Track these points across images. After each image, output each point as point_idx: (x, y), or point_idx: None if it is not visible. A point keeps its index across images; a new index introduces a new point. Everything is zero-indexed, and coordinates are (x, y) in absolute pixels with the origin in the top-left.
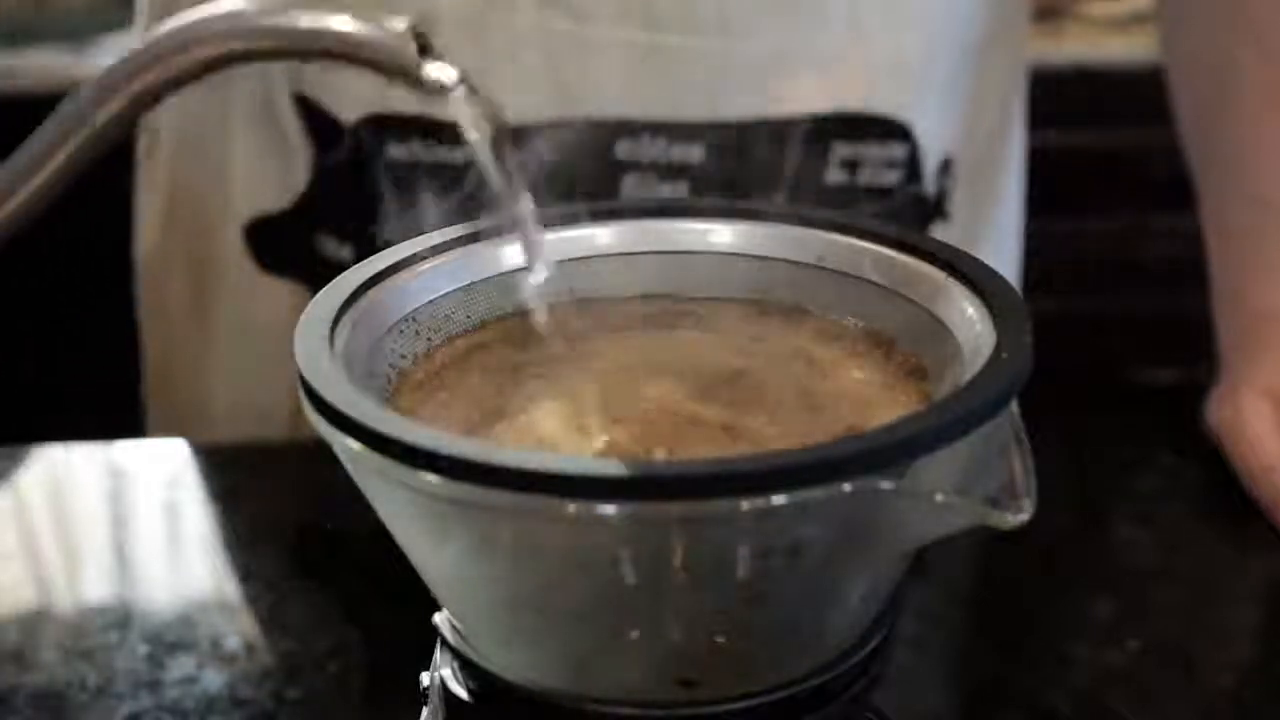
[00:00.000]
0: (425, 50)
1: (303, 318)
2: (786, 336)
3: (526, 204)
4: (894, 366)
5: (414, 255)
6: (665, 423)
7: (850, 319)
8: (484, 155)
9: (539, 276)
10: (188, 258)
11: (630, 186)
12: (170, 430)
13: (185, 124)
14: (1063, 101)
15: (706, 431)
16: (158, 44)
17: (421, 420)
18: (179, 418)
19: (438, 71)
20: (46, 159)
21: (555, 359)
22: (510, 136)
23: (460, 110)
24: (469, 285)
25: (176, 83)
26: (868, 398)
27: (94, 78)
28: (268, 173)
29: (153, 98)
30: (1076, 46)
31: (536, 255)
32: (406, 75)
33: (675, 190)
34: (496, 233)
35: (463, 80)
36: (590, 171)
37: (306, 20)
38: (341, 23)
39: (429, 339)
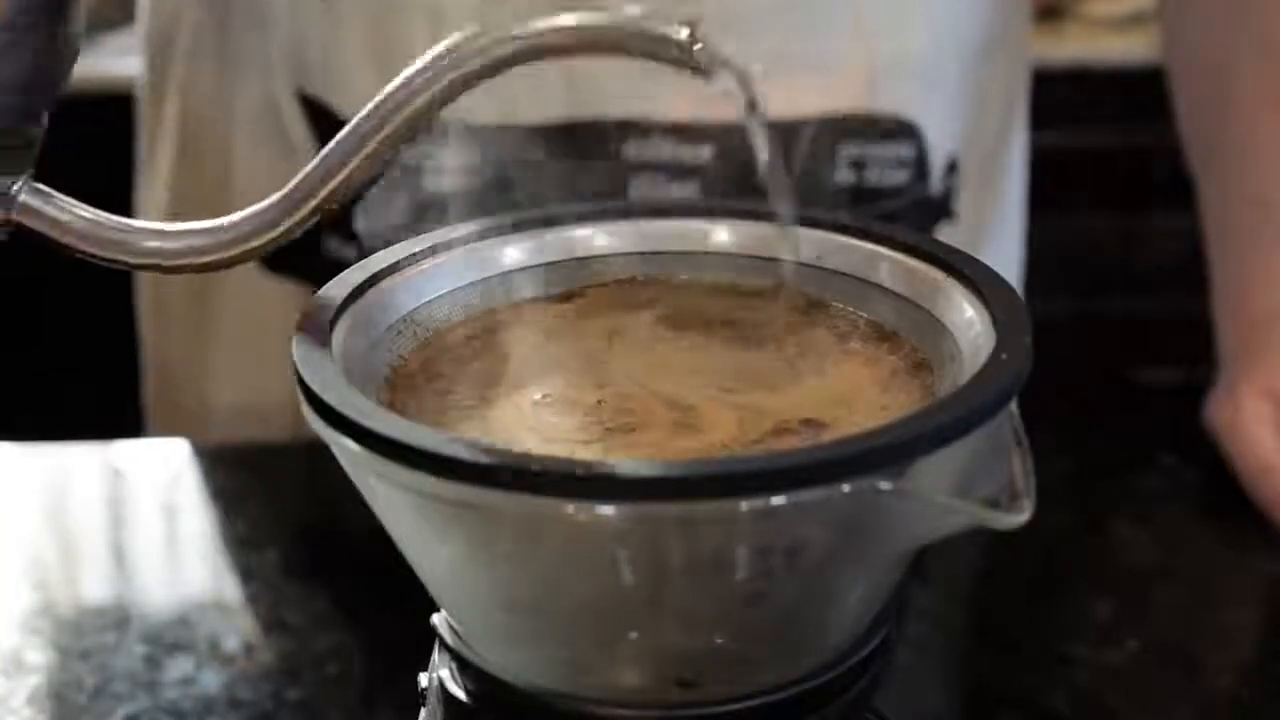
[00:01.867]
0: (694, 37)
1: (301, 317)
2: (791, 327)
3: (782, 174)
4: (898, 361)
5: (413, 255)
6: (666, 416)
7: (854, 313)
8: (755, 128)
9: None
10: None
11: (639, 187)
12: (171, 431)
13: (188, 124)
14: (1063, 101)
15: (709, 428)
16: (457, 49)
17: (415, 414)
18: (180, 418)
19: (706, 56)
20: (363, 144)
21: (553, 355)
22: (765, 114)
23: (731, 86)
24: (469, 285)
25: (474, 79)
26: (871, 390)
27: (405, 78)
28: (271, 173)
29: (452, 95)
30: (1076, 46)
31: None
32: (681, 61)
33: (685, 191)
34: (496, 233)
35: (726, 63)
36: (599, 172)
37: (588, 18)
38: (620, 18)
39: (424, 337)
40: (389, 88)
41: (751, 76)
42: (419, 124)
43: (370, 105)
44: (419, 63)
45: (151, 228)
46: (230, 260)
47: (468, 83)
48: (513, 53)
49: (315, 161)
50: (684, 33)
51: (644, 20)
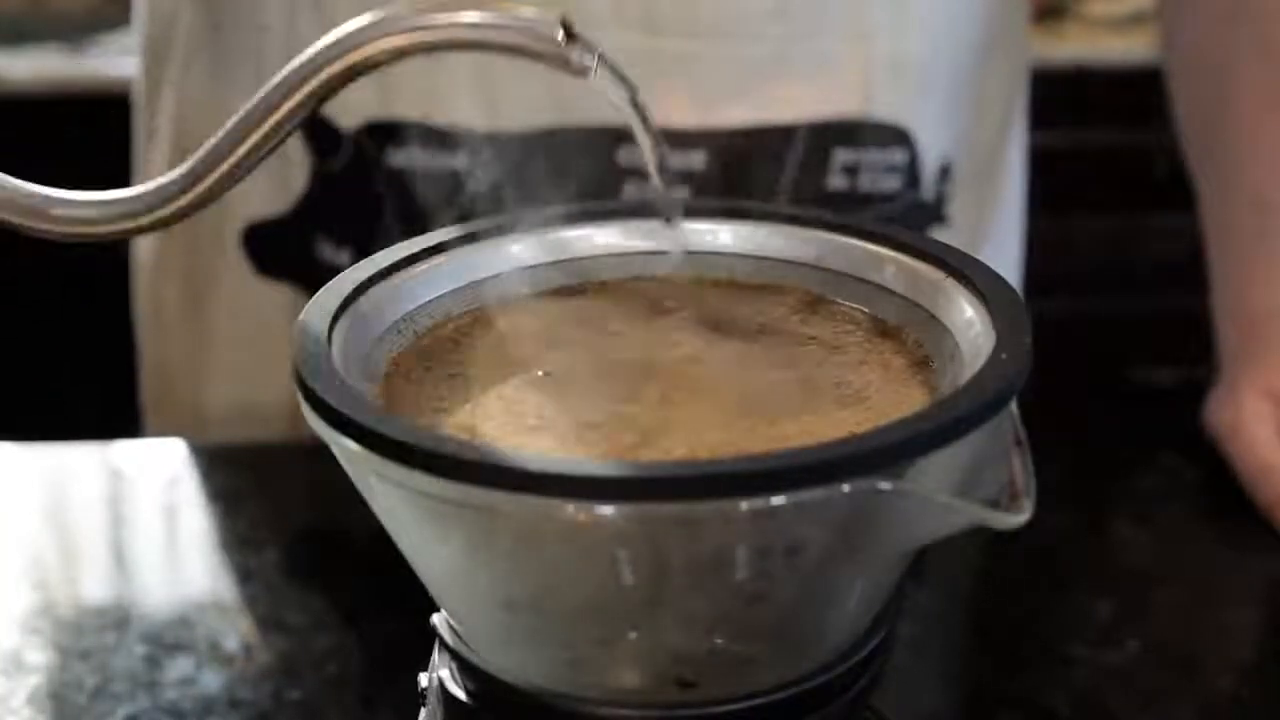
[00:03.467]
0: (570, 35)
1: (300, 318)
2: (795, 323)
3: (669, 165)
4: (901, 357)
5: (412, 256)
6: (666, 415)
7: (857, 309)
8: (635, 126)
9: (676, 245)
10: (185, 261)
11: (632, 193)
12: (169, 431)
13: (183, 127)
14: (1063, 101)
15: (712, 426)
16: (328, 48)
17: (411, 412)
18: (176, 420)
19: (580, 54)
20: (230, 150)
21: (552, 354)
22: (648, 114)
23: (605, 88)
24: (467, 285)
25: (362, 69)
26: (874, 386)
27: (279, 80)
28: (265, 179)
29: (321, 97)
30: (1076, 46)
31: (675, 213)
32: (552, 58)
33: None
34: (494, 234)
35: (603, 60)
36: (592, 177)
37: (457, 16)
38: (490, 14)
39: (421, 335)
40: (279, 76)
41: (626, 77)
42: (306, 111)
43: (260, 92)
44: (307, 52)
45: (64, 196)
46: (135, 230)
47: (355, 73)
48: (399, 45)
49: (210, 143)
50: (559, 32)
51: (523, 17)
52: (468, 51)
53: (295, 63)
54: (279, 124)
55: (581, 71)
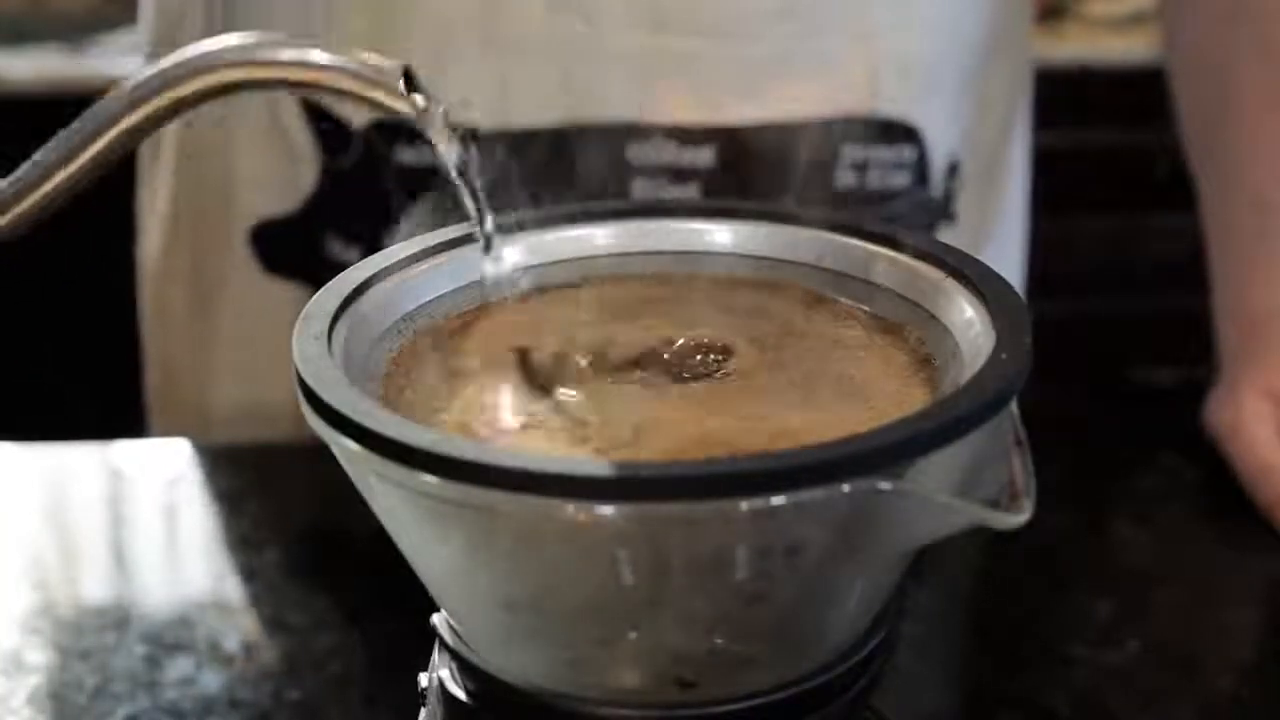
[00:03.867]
0: (411, 84)
1: (301, 317)
2: (796, 321)
3: (489, 221)
4: (903, 355)
5: (413, 255)
6: (666, 414)
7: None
8: (452, 171)
9: (498, 264)
10: (192, 259)
11: (641, 190)
12: (173, 431)
13: (189, 126)
14: (1063, 101)
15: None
16: (166, 71)
17: (409, 410)
18: (182, 419)
19: (419, 101)
20: (58, 167)
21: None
22: (475, 161)
23: (435, 131)
24: (468, 285)
25: (181, 107)
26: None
27: (108, 96)
28: (274, 178)
29: (157, 121)
30: (1076, 46)
31: (494, 247)
32: (396, 104)
33: (686, 194)
34: (496, 233)
35: (439, 108)
36: (601, 175)
37: (299, 53)
38: (342, 59)
39: (421, 332)
40: (102, 101)
41: (460, 125)
42: (129, 143)
43: (79, 119)
44: (137, 77)
45: None
46: None
47: (185, 104)
48: (236, 80)
49: (26, 165)
50: (399, 80)
51: (365, 63)
52: (302, 94)
53: (115, 91)
54: (95, 157)
55: (420, 117)
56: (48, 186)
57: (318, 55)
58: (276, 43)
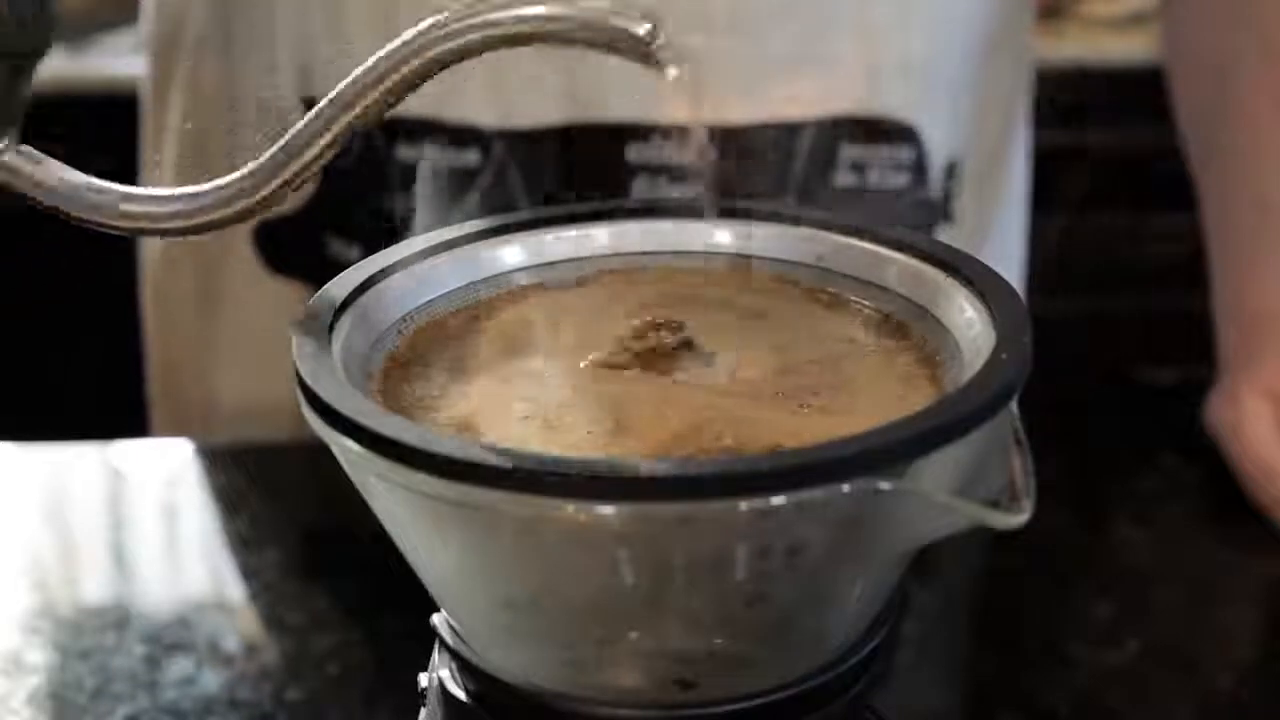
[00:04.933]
0: (654, 32)
1: (301, 317)
2: (796, 320)
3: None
4: (907, 353)
5: (413, 255)
6: (666, 413)
7: (865, 304)
8: (696, 130)
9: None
10: (194, 258)
11: (641, 189)
12: (175, 430)
13: (191, 126)
14: (1063, 101)
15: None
16: (417, 38)
17: (405, 407)
18: (184, 417)
19: (665, 52)
20: (314, 139)
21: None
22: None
23: (672, 89)
24: (468, 285)
25: (440, 64)
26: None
27: (361, 70)
28: None
29: (410, 85)
30: (1076, 46)
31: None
32: (640, 54)
33: (685, 193)
34: (495, 233)
35: (683, 60)
36: (601, 174)
37: (552, 9)
38: (584, 9)
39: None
40: (356, 71)
41: (703, 80)
42: (383, 108)
43: (336, 89)
44: (386, 48)
45: (129, 191)
46: (199, 227)
47: (433, 68)
48: (479, 39)
49: (281, 141)
50: (645, 28)
51: (607, 12)
52: (559, 45)
53: (369, 61)
54: (351, 122)
55: (664, 68)
56: (296, 164)
57: (566, 9)
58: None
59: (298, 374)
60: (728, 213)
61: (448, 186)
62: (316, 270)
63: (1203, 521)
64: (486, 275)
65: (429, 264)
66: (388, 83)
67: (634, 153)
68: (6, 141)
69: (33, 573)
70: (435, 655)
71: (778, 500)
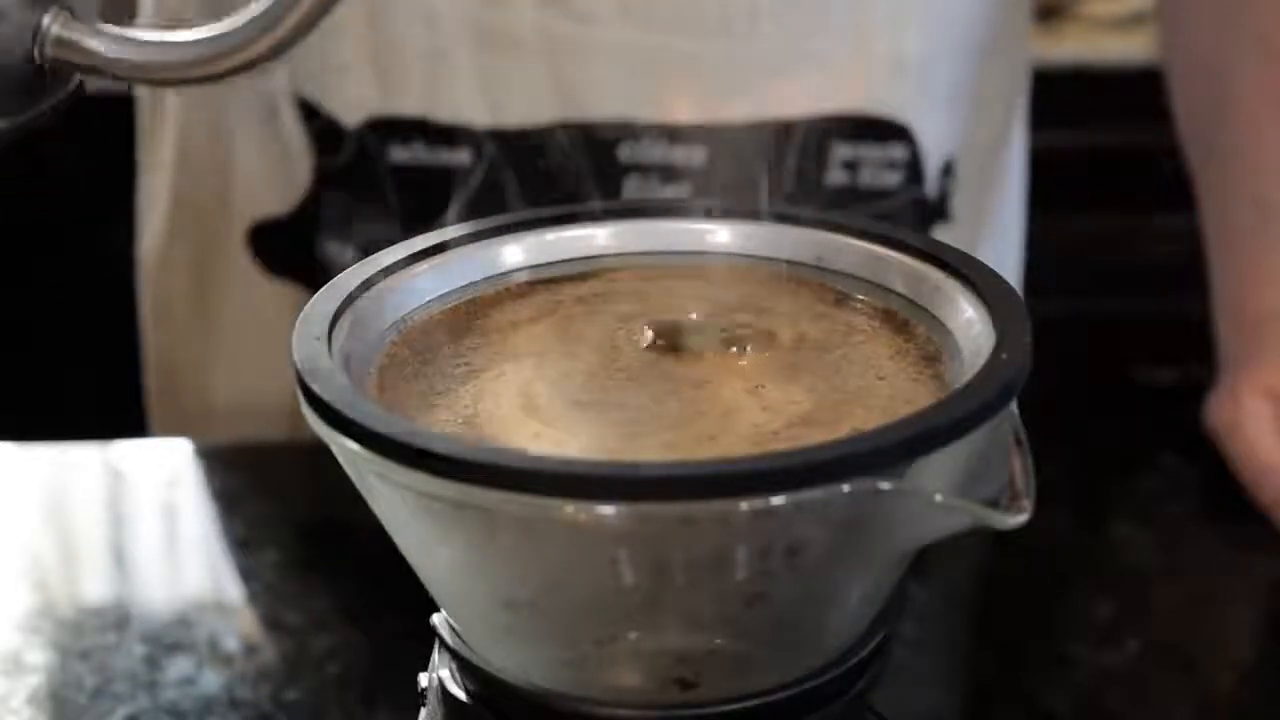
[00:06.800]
0: None
1: (300, 317)
2: (797, 319)
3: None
4: (910, 352)
5: (412, 255)
6: (666, 413)
7: (866, 302)
8: None
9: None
10: (191, 259)
11: (632, 189)
12: (173, 430)
13: (187, 128)
14: (1063, 101)
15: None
16: None
17: (403, 406)
18: (182, 418)
19: None
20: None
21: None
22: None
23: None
24: (467, 285)
25: None
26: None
27: None
28: (270, 177)
29: None
30: (1076, 46)
31: None
32: None
33: (677, 192)
34: (494, 233)
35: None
36: (592, 173)
37: None
38: None
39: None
40: None
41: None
42: None
43: None
44: None
45: (161, 40)
46: (232, 69)
47: None
48: None
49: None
50: None
51: None
52: None
53: None
54: None
55: None
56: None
57: None
58: None
59: (298, 374)
60: (727, 213)
61: (440, 186)
62: (311, 272)
63: (1203, 521)
64: (485, 275)
65: (427, 264)
66: None
67: (625, 152)
68: (53, 11)
69: (33, 573)
70: (435, 655)
71: (778, 500)
